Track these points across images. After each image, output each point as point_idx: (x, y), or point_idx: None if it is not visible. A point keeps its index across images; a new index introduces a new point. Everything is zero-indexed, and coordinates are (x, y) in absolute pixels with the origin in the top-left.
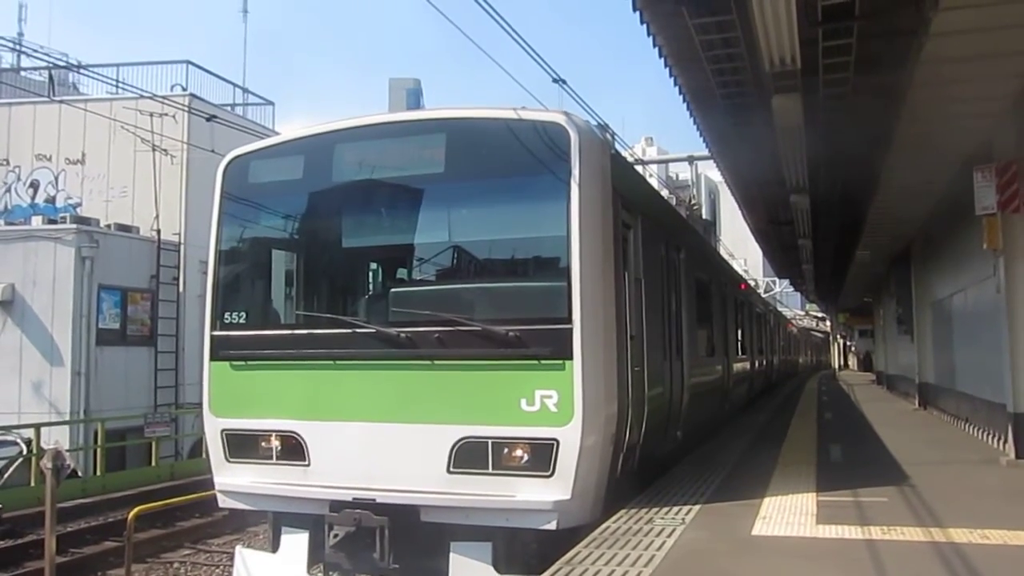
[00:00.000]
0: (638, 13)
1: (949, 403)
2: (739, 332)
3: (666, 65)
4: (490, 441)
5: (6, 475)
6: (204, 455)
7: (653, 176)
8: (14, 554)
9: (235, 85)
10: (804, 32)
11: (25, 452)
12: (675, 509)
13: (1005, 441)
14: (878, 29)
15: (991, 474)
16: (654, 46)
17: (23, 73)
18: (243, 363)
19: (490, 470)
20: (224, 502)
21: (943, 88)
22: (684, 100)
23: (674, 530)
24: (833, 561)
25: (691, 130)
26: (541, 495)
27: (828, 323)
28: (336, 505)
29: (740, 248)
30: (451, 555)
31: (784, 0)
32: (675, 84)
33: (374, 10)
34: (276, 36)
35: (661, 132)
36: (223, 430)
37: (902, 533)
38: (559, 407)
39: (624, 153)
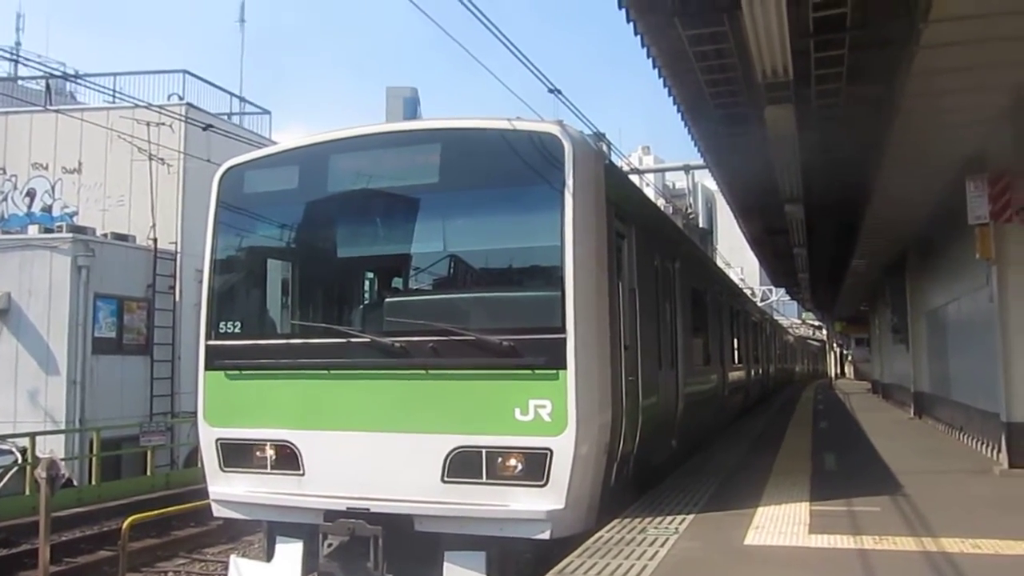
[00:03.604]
0: (632, 24)
1: (944, 412)
2: (735, 341)
3: (660, 76)
4: (484, 451)
5: (1, 484)
6: (199, 464)
7: (650, 185)
8: (9, 563)
9: (232, 94)
10: (796, 43)
11: (20, 461)
12: (668, 519)
13: (999, 451)
14: (869, 40)
15: (984, 483)
16: (648, 57)
17: (20, 82)
18: (238, 372)
19: (484, 479)
20: (219, 511)
21: (935, 99)
22: (679, 110)
23: (667, 540)
24: (825, 570)
25: (687, 139)
26: (535, 504)
27: (824, 332)
28: (330, 514)
29: (737, 256)
30: (445, 564)
31: (775, 12)
32: (669, 95)
33: (370, 18)
34: (272, 44)
35: (658, 141)
36: (218, 439)
37: (894, 543)
38: (553, 417)
39: (620, 162)
